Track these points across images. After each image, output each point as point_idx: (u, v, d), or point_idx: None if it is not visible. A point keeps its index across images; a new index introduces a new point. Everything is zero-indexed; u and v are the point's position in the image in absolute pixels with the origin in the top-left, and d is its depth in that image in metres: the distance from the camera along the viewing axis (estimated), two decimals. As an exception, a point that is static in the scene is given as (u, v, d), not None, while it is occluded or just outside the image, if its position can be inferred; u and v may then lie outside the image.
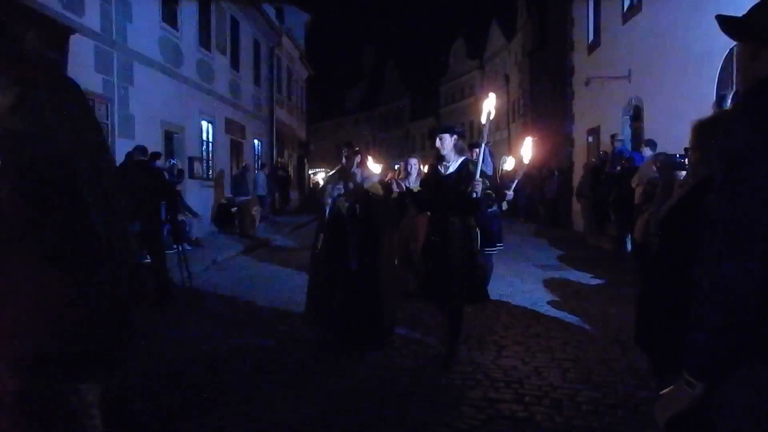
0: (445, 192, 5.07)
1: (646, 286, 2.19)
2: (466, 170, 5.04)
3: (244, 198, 15.30)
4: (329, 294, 5.47)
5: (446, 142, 5.13)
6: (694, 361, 1.56)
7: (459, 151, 5.21)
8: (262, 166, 20.86)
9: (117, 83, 11.20)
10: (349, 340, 5.39)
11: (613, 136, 12.49)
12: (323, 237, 5.62)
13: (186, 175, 13.82)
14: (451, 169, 5.16)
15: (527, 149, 6.08)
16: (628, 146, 12.31)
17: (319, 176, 44.31)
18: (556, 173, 18.37)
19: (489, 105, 5.12)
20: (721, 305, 1.47)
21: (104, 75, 10.77)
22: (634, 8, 12.66)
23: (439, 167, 5.25)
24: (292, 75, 28.43)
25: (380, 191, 5.73)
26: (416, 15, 76.52)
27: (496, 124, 37.02)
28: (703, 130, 2.59)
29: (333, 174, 5.99)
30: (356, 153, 5.82)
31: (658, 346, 2.08)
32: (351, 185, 5.65)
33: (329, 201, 5.65)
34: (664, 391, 1.70)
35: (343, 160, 5.79)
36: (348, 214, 5.57)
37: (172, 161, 12.54)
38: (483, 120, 5.18)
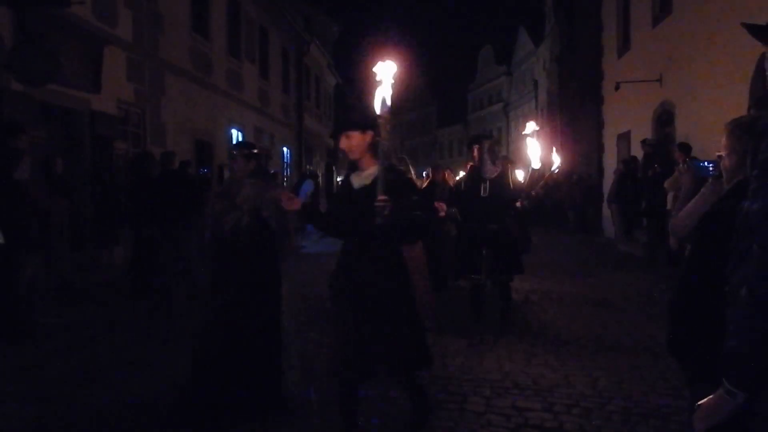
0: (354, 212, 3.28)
1: (679, 293, 2.15)
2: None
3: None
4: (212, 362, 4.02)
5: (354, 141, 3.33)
6: (735, 370, 1.53)
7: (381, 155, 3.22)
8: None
9: (149, 92, 11.41)
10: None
11: (644, 141, 12.32)
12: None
13: (215, 182, 13.99)
14: (365, 181, 3.32)
15: (534, 156, 6.29)
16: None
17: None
18: (581, 178, 18.18)
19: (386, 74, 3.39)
20: (763, 313, 1.44)
21: (136, 84, 10.98)
22: (665, 11, 12.49)
23: (351, 177, 3.44)
24: (320, 83, 28.63)
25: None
26: (444, 22, 76.50)
27: (524, 129, 36.64)
28: (738, 132, 2.54)
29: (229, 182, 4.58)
30: (250, 155, 4.38)
31: (692, 355, 2.04)
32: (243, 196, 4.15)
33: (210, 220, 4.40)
34: (703, 401, 1.67)
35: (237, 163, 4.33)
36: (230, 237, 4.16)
37: (204, 170, 12.71)
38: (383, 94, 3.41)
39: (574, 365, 5.11)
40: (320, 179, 28.18)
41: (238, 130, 16.82)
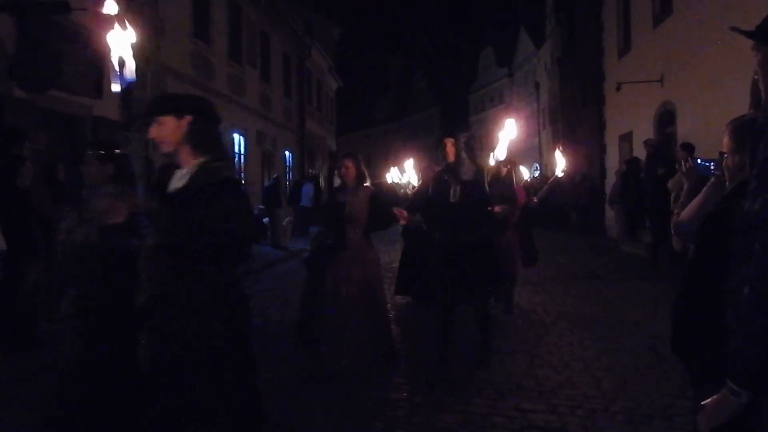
0: None
1: (683, 293, 2.14)
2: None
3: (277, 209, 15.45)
4: None
5: None
6: (739, 369, 1.53)
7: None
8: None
9: (150, 98, 11.43)
10: None
11: (646, 142, 12.31)
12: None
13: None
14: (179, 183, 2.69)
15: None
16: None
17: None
18: (586, 179, 18.17)
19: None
20: (765, 312, 1.44)
21: (138, 90, 10.99)
22: (665, 11, 12.48)
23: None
24: (321, 86, 28.66)
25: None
26: (444, 24, 76.57)
27: (527, 131, 36.84)
28: (741, 131, 2.53)
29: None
30: (106, 157, 3.59)
31: (696, 355, 2.04)
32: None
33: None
34: (707, 401, 1.67)
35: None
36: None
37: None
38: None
39: (577, 366, 5.10)
40: (322, 182, 28.24)
41: (240, 135, 16.84)
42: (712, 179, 2.69)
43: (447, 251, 4.99)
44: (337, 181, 7.97)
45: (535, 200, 7.89)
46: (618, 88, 13.90)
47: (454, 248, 4.93)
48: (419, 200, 5.81)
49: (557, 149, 7.49)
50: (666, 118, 12.80)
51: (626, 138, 15.38)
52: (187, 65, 13.16)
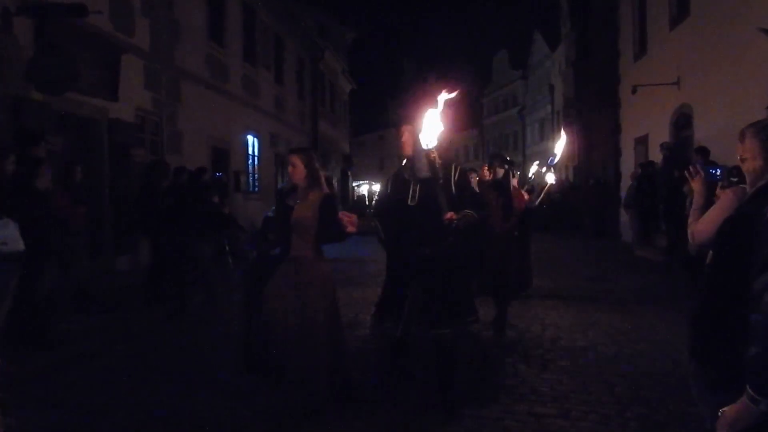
0: None
1: (702, 298, 2.12)
2: None
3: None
4: None
5: None
6: (758, 377, 1.51)
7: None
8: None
9: (166, 100, 11.51)
10: None
11: (662, 145, 12.21)
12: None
13: (231, 188, 14.08)
14: None
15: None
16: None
17: (363, 189, 44.61)
18: (598, 182, 18.07)
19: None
20: None
21: (153, 93, 11.08)
22: (682, 13, 12.38)
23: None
24: (334, 89, 28.73)
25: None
26: (458, 26, 76.50)
27: (540, 133, 36.63)
28: (763, 135, 2.53)
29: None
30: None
31: (715, 361, 2.02)
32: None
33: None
34: (726, 408, 1.65)
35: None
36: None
37: (218, 174, 12.79)
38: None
39: (591, 371, 5.07)
40: (335, 184, 28.25)
41: (254, 137, 16.92)
42: (730, 188, 2.68)
43: (401, 267, 4.15)
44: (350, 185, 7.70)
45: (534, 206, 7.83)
46: (634, 91, 13.80)
47: (409, 263, 4.08)
48: (381, 203, 4.71)
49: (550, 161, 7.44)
50: (682, 121, 12.69)
51: (642, 141, 15.27)
52: (202, 68, 13.24)
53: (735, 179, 2.85)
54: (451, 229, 3.89)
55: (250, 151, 16.86)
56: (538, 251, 8.25)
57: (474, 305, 4.28)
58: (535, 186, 8.06)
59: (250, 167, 16.81)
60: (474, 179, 7.56)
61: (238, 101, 15.40)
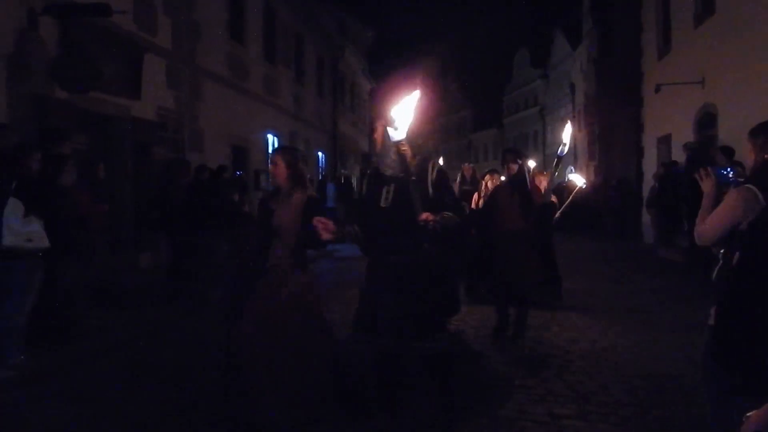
0: None
1: (727, 300, 2.09)
2: None
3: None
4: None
5: None
6: None
7: None
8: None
9: (187, 99, 11.61)
10: None
11: (685, 145, 12.05)
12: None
13: (251, 187, 14.17)
14: None
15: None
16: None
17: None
18: (620, 182, 17.90)
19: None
20: None
21: (175, 91, 11.18)
22: (707, 11, 12.21)
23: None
24: (354, 87, 28.77)
25: None
26: (478, 24, 76.16)
27: (561, 132, 36.14)
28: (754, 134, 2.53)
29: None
30: None
31: (740, 365, 1.99)
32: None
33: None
34: (751, 413, 1.63)
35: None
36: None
37: (238, 173, 12.87)
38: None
39: (611, 373, 5.02)
40: (354, 183, 28.28)
41: (274, 135, 17.01)
42: (736, 189, 2.66)
43: (378, 275, 3.79)
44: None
45: (560, 214, 7.44)
46: (657, 90, 13.64)
47: (383, 272, 3.75)
48: (356, 206, 4.26)
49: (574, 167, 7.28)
50: (706, 120, 12.51)
51: (665, 140, 15.09)
52: (222, 66, 13.33)
53: (741, 179, 2.84)
54: (427, 232, 3.49)
55: (270, 150, 16.95)
56: (558, 252, 8.15)
57: (444, 320, 3.95)
58: (562, 187, 7.80)
59: (270, 165, 16.90)
60: (495, 180, 7.31)
61: (258, 100, 15.48)
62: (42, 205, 5.07)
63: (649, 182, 14.98)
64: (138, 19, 9.68)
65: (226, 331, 4.23)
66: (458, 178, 11.83)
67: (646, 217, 15.04)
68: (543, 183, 6.72)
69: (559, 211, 7.37)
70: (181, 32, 11.32)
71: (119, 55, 9.03)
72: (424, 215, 3.43)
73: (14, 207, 4.86)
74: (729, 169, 2.89)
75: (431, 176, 3.74)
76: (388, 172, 3.71)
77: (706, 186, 2.93)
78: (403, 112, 3.45)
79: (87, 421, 4.13)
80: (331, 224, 3.55)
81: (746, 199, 2.66)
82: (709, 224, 2.78)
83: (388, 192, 3.67)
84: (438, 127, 56.53)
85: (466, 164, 12.19)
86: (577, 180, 7.59)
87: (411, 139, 3.65)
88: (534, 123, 42.33)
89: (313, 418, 3.76)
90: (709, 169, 2.92)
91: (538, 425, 3.94)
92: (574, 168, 29.61)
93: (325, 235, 3.53)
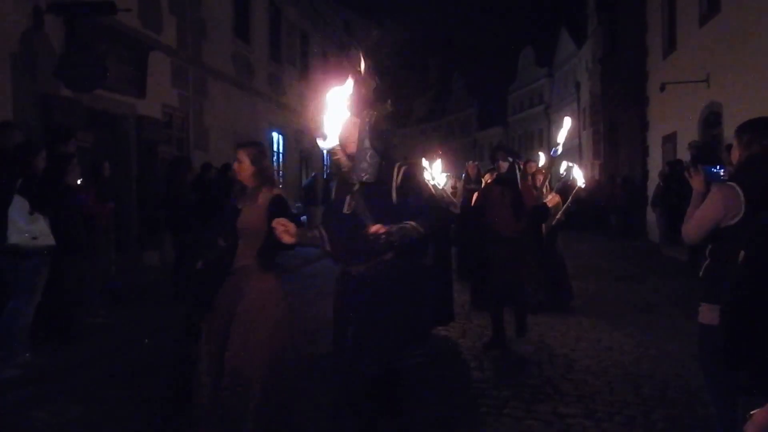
0: None
1: (733, 300, 2.08)
2: None
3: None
4: None
5: None
6: None
7: None
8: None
9: (192, 97, 11.63)
10: None
11: (690, 144, 12.01)
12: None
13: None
14: None
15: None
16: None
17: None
18: (625, 181, 17.85)
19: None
20: None
21: (180, 90, 11.20)
22: (713, 10, 12.16)
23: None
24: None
25: None
26: (483, 23, 76.06)
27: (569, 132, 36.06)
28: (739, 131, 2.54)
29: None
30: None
31: (746, 365, 1.98)
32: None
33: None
34: (756, 411, 1.62)
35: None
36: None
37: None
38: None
39: (616, 372, 5.01)
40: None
41: (279, 134, 17.03)
42: (717, 187, 2.67)
43: (343, 289, 3.42)
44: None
45: (559, 218, 7.11)
46: (662, 89, 13.59)
47: (349, 284, 3.36)
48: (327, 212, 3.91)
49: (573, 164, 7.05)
50: (712, 119, 12.47)
51: (670, 139, 15.04)
52: (228, 65, 13.35)
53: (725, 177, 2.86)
54: (379, 246, 3.09)
55: (275, 148, 16.98)
56: (564, 252, 8.10)
57: (422, 335, 3.50)
58: (566, 186, 7.50)
59: (275, 164, 16.92)
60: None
61: (263, 98, 15.50)
62: (47, 203, 5.09)
63: (654, 181, 14.94)
64: (143, 18, 9.70)
65: (185, 338, 4.03)
66: (462, 177, 11.80)
67: (651, 216, 15.00)
68: (539, 179, 6.54)
69: (560, 212, 7.09)
70: (187, 30, 11.34)
71: (124, 53, 9.06)
72: (374, 227, 3.03)
73: (20, 205, 4.87)
74: (719, 167, 2.89)
75: (396, 181, 3.29)
76: (363, 177, 3.25)
77: (695, 184, 2.95)
78: (328, 116, 3.01)
79: (91, 420, 4.14)
80: (292, 226, 3.15)
81: (726, 196, 2.67)
82: (693, 223, 2.81)
83: (351, 198, 3.28)
84: (443, 125, 56.52)
85: (470, 162, 11.84)
86: (578, 178, 7.48)
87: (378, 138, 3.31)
88: (539, 121, 42.25)
89: None
90: (699, 167, 2.93)
91: (544, 424, 3.94)
92: (576, 165, 29.59)
93: (286, 238, 3.13)
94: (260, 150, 3.71)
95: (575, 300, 7.72)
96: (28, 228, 4.89)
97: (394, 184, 3.28)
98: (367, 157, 3.26)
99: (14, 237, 4.81)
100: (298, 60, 18.49)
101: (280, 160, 17.33)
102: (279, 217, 3.21)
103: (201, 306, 3.67)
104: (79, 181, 6.13)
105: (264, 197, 3.56)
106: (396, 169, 3.33)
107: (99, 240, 6.72)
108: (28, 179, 5.00)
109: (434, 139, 54.23)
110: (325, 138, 3.00)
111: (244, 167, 3.60)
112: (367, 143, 3.28)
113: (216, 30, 12.62)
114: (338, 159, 3.20)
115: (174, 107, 10.98)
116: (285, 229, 3.12)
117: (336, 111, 2.99)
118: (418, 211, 3.21)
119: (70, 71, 7.39)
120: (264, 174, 3.64)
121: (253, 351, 3.31)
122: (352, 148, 3.32)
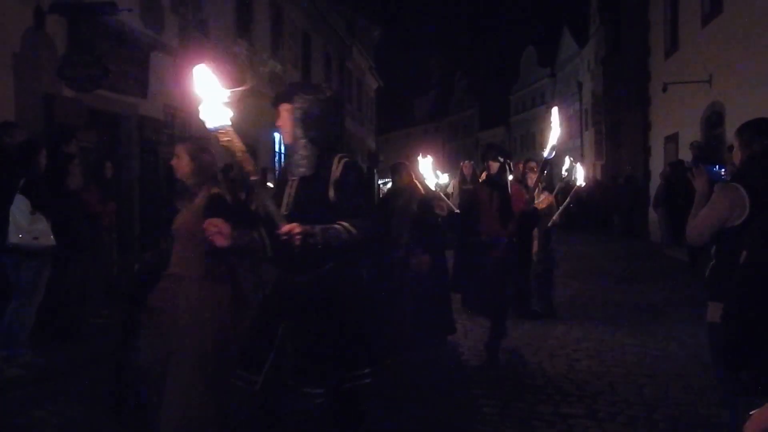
0: None
1: (734, 300, 2.08)
2: None
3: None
4: None
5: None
6: None
7: None
8: None
9: (194, 97, 11.62)
10: None
11: (692, 144, 12.00)
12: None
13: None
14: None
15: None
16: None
17: (389, 186, 44.65)
18: (627, 181, 17.83)
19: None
20: None
21: (182, 89, 11.20)
22: (715, 10, 12.14)
23: None
24: (362, 86, 28.78)
25: None
26: (486, 23, 76.04)
27: (568, 132, 36.28)
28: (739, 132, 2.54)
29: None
30: None
31: (747, 365, 1.97)
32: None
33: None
34: (755, 411, 1.62)
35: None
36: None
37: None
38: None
39: (618, 372, 5.00)
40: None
41: (281, 134, 17.04)
42: (721, 188, 2.67)
43: (274, 298, 2.99)
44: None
45: (556, 218, 6.91)
46: (664, 89, 13.58)
47: (281, 294, 2.93)
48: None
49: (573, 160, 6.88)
50: (714, 119, 12.46)
51: (672, 139, 15.03)
52: (229, 65, 13.35)
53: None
54: (292, 249, 2.59)
55: (277, 148, 16.97)
56: (565, 251, 8.10)
57: (371, 354, 2.90)
58: (568, 186, 7.29)
59: (277, 164, 16.92)
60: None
61: (265, 98, 15.48)
62: (48, 203, 5.09)
63: (656, 181, 14.93)
64: (145, 17, 9.69)
65: (123, 342, 3.96)
66: (458, 177, 11.71)
67: (653, 216, 14.98)
68: (531, 177, 6.24)
69: (557, 213, 6.90)
70: (189, 30, 11.33)
71: (126, 53, 9.06)
72: (286, 227, 2.56)
73: (21, 205, 4.88)
74: (720, 167, 2.90)
75: (334, 174, 2.85)
76: (300, 171, 2.90)
77: (698, 184, 2.94)
78: (210, 91, 2.73)
79: (94, 419, 4.14)
80: (226, 227, 2.78)
81: (730, 197, 2.66)
82: (698, 223, 2.81)
83: (290, 196, 2.90)
84: (445, 125, 56.51)
85: (465, 162, 11.04)
86: (579, 178, 7.40)
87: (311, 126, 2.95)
88: (541, 122, 42.24)
89: None
90: (701, 167, 2.93)
91: (546, 424, 3.93)
92: (578, 163, 29.55)
93: (218, 240, 2.77)
94: (200, 145, 3.44)
95: (577, 298, 7.72)
96: (30, 228, 4.89)
97: (331, 178, 2.85)
98: (300, 149, 2.92)
99: (15, 237, 4.81)
100: (299, 60, 18.49)
101: (282, 160, 17.34)
102: (215, 217, 2.87)
103: (137, 306, 3.52)
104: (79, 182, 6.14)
105: (202, 196, 3.32)
106: (336, 162, 2.89)
107: (101, 240, 6.72)
108: (30, 179, 5.01)
109: (437, 139, 54.28)
110: (208, 117, 2.65)
111: (183, 164, 3.35)
112: (299, 132, 2.93)
113: (218, 30, 12.62)
114: (229, 142, 2.67)
115: (176, 107, 10.98)
116: (217, 231, 2.78)
117: (214, 86, 2.72)
118: (355, 211, 2.78)
119: (71, 71, 7.39)
120: (204, 171, 3.38)
121: (187, 364, 3.20)
122: (287, 139, 3.04)
